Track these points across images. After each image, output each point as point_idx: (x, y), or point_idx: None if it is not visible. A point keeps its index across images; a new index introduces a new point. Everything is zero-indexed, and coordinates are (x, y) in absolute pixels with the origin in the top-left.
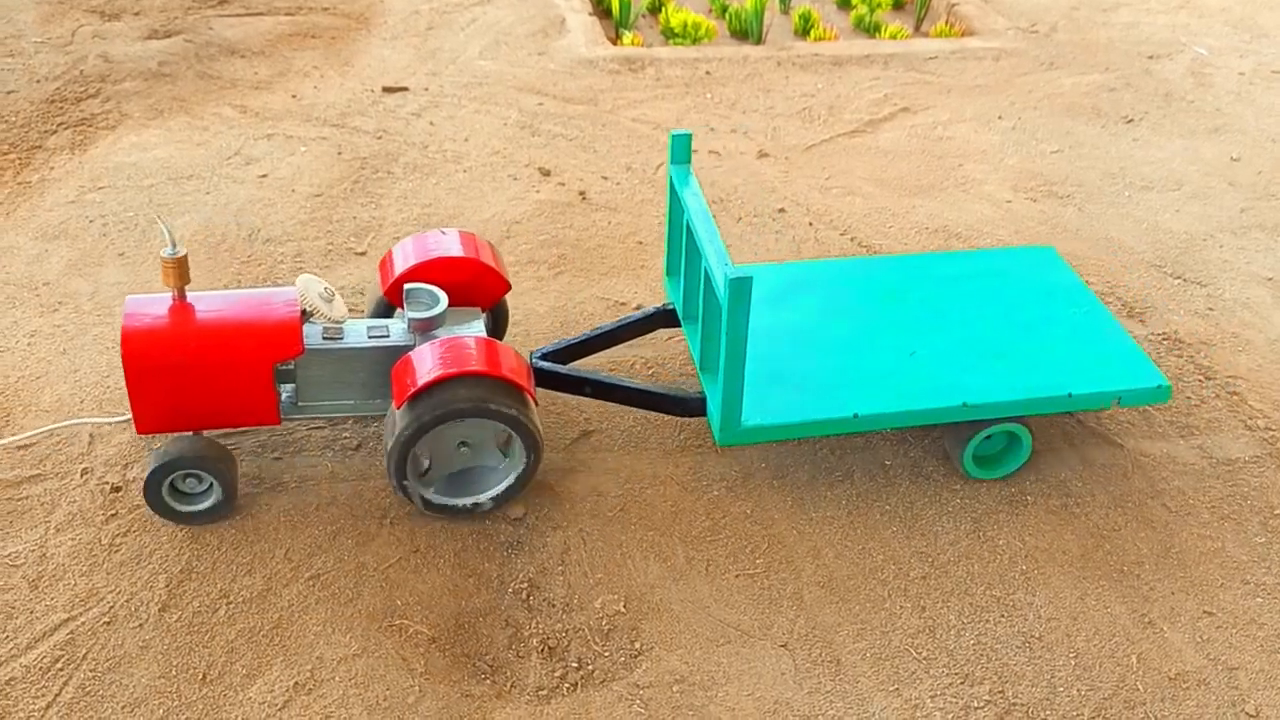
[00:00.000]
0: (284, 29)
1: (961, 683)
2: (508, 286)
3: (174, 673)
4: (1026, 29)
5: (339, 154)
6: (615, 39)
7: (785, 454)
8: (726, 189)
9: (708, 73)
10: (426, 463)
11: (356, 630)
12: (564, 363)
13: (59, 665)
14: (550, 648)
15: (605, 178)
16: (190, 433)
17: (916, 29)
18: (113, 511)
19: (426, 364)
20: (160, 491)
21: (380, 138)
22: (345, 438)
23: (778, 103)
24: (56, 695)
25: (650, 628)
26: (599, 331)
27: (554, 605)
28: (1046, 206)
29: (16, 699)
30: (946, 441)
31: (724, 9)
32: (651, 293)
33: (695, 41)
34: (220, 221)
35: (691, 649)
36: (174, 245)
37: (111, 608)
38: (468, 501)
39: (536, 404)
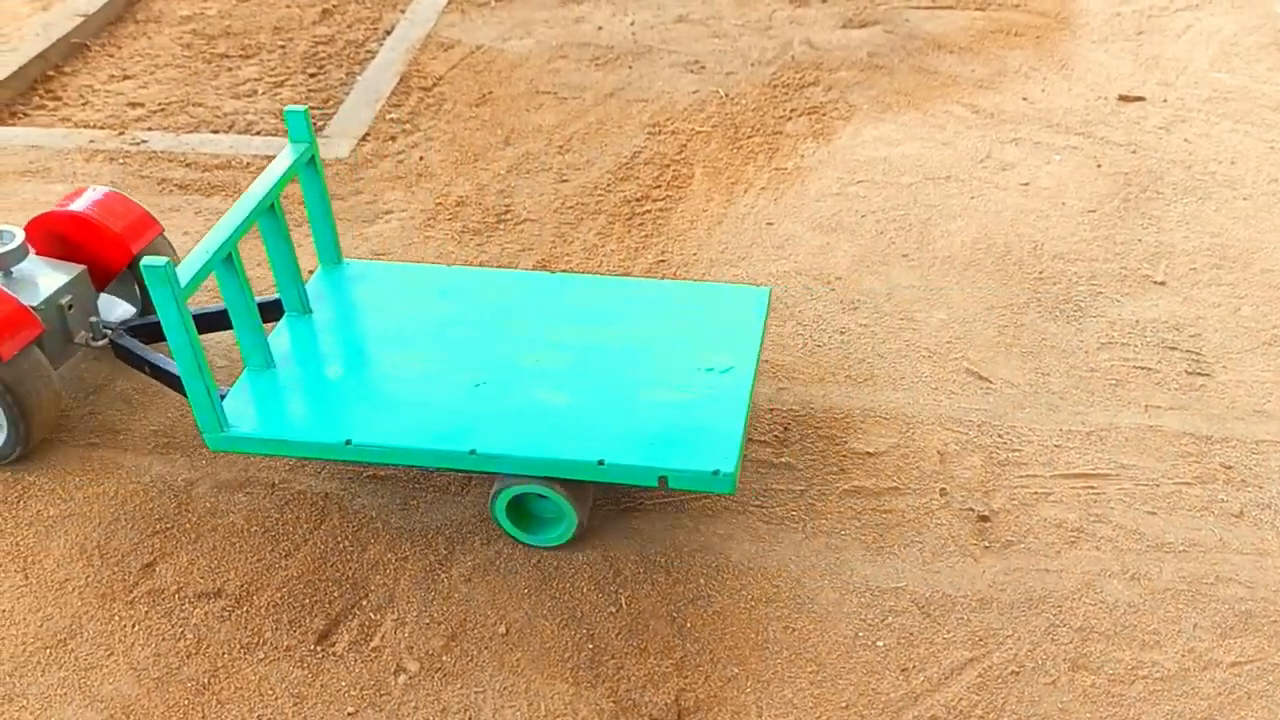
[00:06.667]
0: (981, 24)
1: None
2: (130, 254)
3: None
4: None
5: (1098, 167)
6: None
7: None
8: None
9: None
10: None
11: None
12: (151, 342)
13: (978, 711)
14: None
15: None
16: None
17: None
18: (985, 543)
19: None
20: None
21: (1135, 152)
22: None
23: None
24: None
25: None
26: (204, 311)
27: None
28: None
29: None
30: None
31: None
32: None
33: None
34: (998, 231)
35: None
36: None
37: (1016, 655)
38: None
39: (10, 360)
